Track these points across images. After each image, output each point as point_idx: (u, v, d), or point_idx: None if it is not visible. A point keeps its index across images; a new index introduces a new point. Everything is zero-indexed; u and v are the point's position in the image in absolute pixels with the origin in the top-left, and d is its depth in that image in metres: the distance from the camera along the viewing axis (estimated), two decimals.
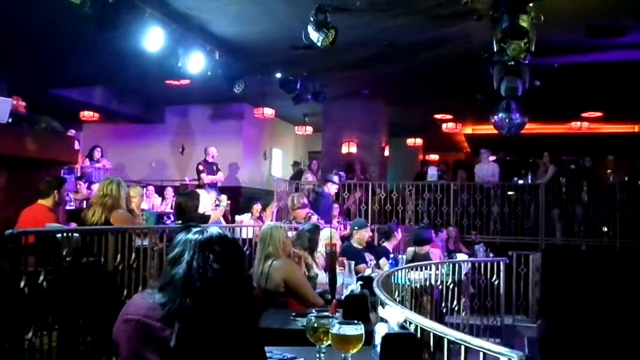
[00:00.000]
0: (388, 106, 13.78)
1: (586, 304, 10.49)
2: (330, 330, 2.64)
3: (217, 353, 1.96)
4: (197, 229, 2.13)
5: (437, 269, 7.10)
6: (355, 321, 2.68)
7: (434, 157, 18.74)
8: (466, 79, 10.78)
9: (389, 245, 7.78)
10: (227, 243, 2.11)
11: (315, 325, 2.70)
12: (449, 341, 2.87)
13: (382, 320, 3.06)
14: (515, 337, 8.36)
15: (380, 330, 2.94)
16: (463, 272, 7.43)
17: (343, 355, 2.61)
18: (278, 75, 10.65)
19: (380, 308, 3.04)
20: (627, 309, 10.27)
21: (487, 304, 8.02)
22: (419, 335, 3.08)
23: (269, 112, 13.52)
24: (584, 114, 14.09)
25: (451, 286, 7.20)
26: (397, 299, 5.93)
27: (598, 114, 13.93)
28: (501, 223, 11.42)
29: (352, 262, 5.76)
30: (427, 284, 6.80)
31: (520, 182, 12.25)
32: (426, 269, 6.86)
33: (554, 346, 9.14)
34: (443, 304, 7.09)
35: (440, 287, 7.11)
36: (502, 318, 7.94)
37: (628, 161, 13.91)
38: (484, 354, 2.64)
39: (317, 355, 2.70)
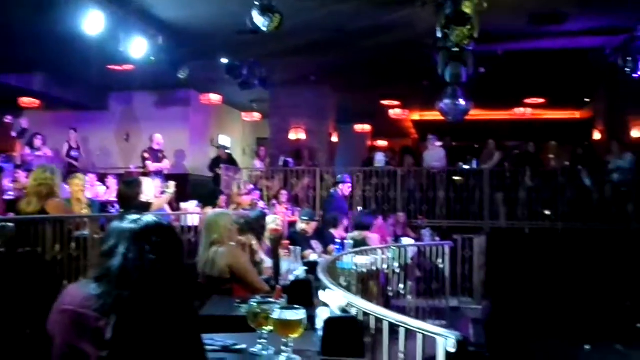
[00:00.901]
0: (336, 92, 13.79)
1: (530, 286, 10.76)
2: (271, 316, 2.63)
3: (154, 344, 1.91)
4: (132, 218, 2.06)
5: (383, 253, 7.17)
6: (296, 306, 2.68)
7: (383, 143, 18.85)
8: (413, 65, 10.87)
9: (336, 232, 7.79)
10: (164, 232, 2.06)
11: (257, 311, 2.68)
12: (390, 324, 2.88)
13: (324, 304, 3.06)
14: (460, 318, 8.52)
15: (322, 315, 2.93)
16: (409, 256, 7.51)
17: (285, 340, 2.60)
18: (224, 60, 10.51)
19: (321, 292, 3.03)
20: (568, 289, 10.60)
21: (433, 286, 8.13)
22: (360, 318, 3.09)
23: (215, 98, 13.35)
24: (527, 100, 14.40)
25: (397, 270, 7.28)
26: (344, 284, 5.96)
27: (541, 100, 14.25)
28: (447, 208, 11.60)
29: (299, 248, 5.73)
30: (374, 268, 6.85)
31: (466, 167, 12.44)
32: (372, 253, 6.91)
33: (498, 327, 9.36)
34: (389, 288, 7.17)
35: (386, 271, 7.18)
36: (448, 300, 8.07)
37: (570, 147, 14.29)
38: (424, 335, 2.66)
39: (259, 341, 2.69)
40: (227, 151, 13.22)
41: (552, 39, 10.10)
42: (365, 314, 3.08)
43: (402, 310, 7.55)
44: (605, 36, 9.83)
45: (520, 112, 15.23)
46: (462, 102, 11.17)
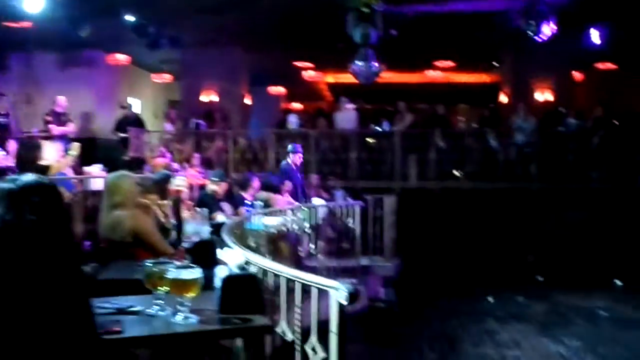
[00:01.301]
0: (248, 53, 13.57)
1: (438, 243, 11.14)
2: (166, 276, 2.59)
3: (36, 307, 1.83)
4: (11, 177, 1.95)
5: (293, 214, 7.20)
6: (192, 265, 2.65)
7: (298, 106, 18.82)
8: (325, 26, 10.80)
9: (246, 194, 7.74)
10: (45, 192, 1.95)
11: (152, 271, 2.63)
12: (287, 279, 2.89)
13: (223, 263, 3.04)
14: (371, 277, 8.71)
15: (220, 273, 2.91)
16: (319, 217, 7.57)
17: (181, 300, 2.57)
18: (130, 18, 10.09)
19: (219, 250, 3.00)
20: (475, 246, 11.04)
21: (344, 246, 8.25)
22: (260, 275, 3.08)
23: (122, 58, 12.85)
24: (438, 63, 14.67)
25: (308, 231, 7.34)
26: (253, 245, 5.95)
27: (451, 63, 14.55)
28: (360, 169, 11.74)
29: (206, 210, 5.67)
30: (284, 229, 6.87)
31: (378, 129, 12.61)
32: (282, 214, 6.92)
33: (408, 284, 9.65)
34: (300, 248, 7.22)
35: (297, 232, 7.22)
36: (358, 259, 8.21)
37: (479, 109, 14.75)
38: (318, 289, 2.68)
39: (155, 302, 2.64)
40: (134, 111, 12.80)
41: (460, 1, 10.28)
42: (263, 271, 3.08)
43: (313, 270, 7.64)
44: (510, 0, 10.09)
45: (431, 75, 15.51)
46: (374, 64, 11.27)
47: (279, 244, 6.92)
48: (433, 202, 11.55)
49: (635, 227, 11.18)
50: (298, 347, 2.82)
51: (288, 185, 8.87)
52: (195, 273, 2.62)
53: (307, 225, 7.31)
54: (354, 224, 8.07)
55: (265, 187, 8.13)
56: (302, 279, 2.77)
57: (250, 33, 11.97)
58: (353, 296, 2.43)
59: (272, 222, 6.72)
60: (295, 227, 7.19)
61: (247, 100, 14.06)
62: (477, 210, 11.51)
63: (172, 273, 2.59)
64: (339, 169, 11.67)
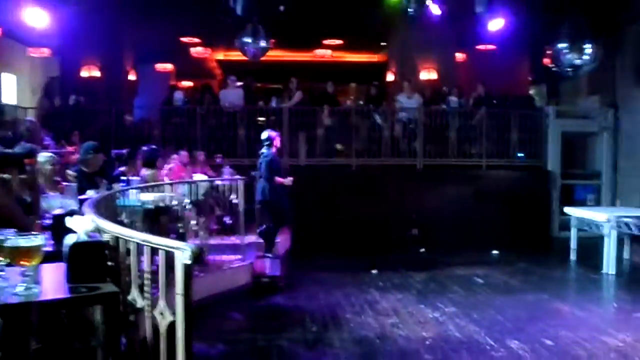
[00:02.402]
0: (132, 28, 13.06)
1: (326, 219, 11.26)
2: (4, 245, 2.44)
3: None
4: None
5: (173, 190, 7.03)
6: (34, 233, 2.52)
7: (188, 84, 18.38)
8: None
9: (127, 169, 7.47)
10: None
11: None
12: (137, 244, 2.77)
13: (71, 231, 2.89)
14: (257, 253, 8.66)
15: (69, 241, 2.78)
16: (201, 193, 7.42)
17: (23, 269, 2.45)
18: None
19: (68, 219, 2.84)
20: (362, 220, 11.25)
21: (228, 222, 8.15)
22: (111, 242, 2.95)
23: None
24: (326, 41, 14.75)
25: (189, 207, 7.18)
26: (126, 221, 5.75)
27: (339, 41, 14.67)
28: (248, 146, 11.63)
29: (74, 185, 5.40)
30: (162, 205, 6.68)
31: (265, 106, 12.53)
32: (161, 190, 6.74)
33: (295, 259, 9.69)
34: (180, 225, 7.06)
35: (177, 208, 7.06)
36: (243, 235, 8.14)
37: (367, 87, 14.95)
38: (166, 251, 2.59)
39: None
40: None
41: None
42: (115, 238, 2.94)
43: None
44: None
45: (320, 53, 15.59)
46: (261, 40, 11.17)
47: (159, 220, 6.74)
48: (321, 179, 11.64)
49: (513, 201, 11.80)
50: (148, 314, 2.72)
51: (174, 159, 8.66)
52: (35, 240, 2.49)
53: (187, 201, 7.16)
54: (237, 200, 7.97)
55: (147, 161, 7.91)
56: (150, 242, 2.66)
57: (133, 6, 11.51)
58: (197, 255, 2.36)
59: (149, 198, 6.53)
60: (175, 203, 7.02)
61: (131, 76, 13.54)
62: (364, 186, 11.73)
63: (10, 241, 2.46)
64: (227, 147, 11.49)
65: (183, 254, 2.37)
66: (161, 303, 2.63)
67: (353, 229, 11.25)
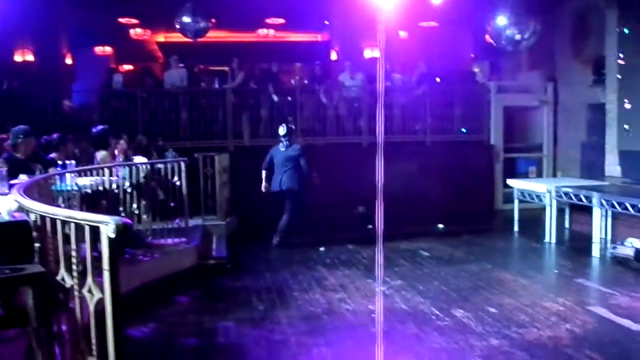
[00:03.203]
0: (68, 9, 12.59)
1: (273, 198, 11.18)
2: None
3: None
4: None
5: (112, 174, 6.85)
6: None
7: (129, 67, 17.93)
8: None
9: (57, 155, 7.23)
10: None
11: None
12: (62, 221, 2.66)
13: None
14: (203, 235, 8.56)
15: None
16: (141, 175, 7.25)
17: None
18: None
19: None
20: (309, 199, 11.20)
21: (171, 205, 7.98)
22: (38, 221, 2.83)
23: None
24: (269, 20, 14.59)
25: (129, 189, 7.01)
26: (63, 206, 5.58)
27: (281, 20, 14.52)
28: (191, 129, 11.43)
29: (3, 169, 5.19)
30: (101, 189, 6.52)
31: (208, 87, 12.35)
32: (98, 174, 6.56)
33: (242, 240, 9.62)
34: (121, 209, 6.89)
35: (117, 191, 6.89)
36: (187, 218, 8.01)
37: (311, 66, 14.86)
38: (90, 226, 2.49)
39: None
40: None
41: None
42: (41, 217, 2.82)
43: (137, 233, 7.36)
44: None
45: (263, 33, 15.42)
46: (201, 19, 10.94)
47: (99, 204, 6.57)
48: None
49: (457, 175, 11.97)
50: (77, 293, 2.63)
51: (121, 144, 8.46)
52: None
53: (128, 184, 6.99)
54: (180, 182, 7.82)
55: (98, 142, 7.78)
56: (75, 218, 2.56)
57: None
58: (121, 229, 2.28)
59: (87, 182, 6.35)
60: (115, 186, 6.85)
61: (68, 60, 13.11)
62: (311, 164, 11.67)
63: None
64: (169, 130, 11.27)
65: (107, 227, 2.28)
66: (89, 280, 2.53)
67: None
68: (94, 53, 15.89)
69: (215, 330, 5.52)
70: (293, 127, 9.81)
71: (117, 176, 7.05)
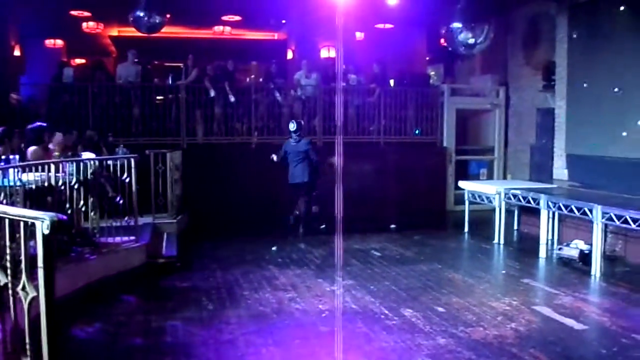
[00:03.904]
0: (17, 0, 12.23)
1: (226, 197, 11.11)
2: None
3: None
4: None
5: (58, 169, 6.68)
6: None
7: (80, 61, 17.52)
8: None
9: (2, 149, 7.01)
10: None
11: None
12: None
13: None
14: (152, 233, 8.41)
15: None
16: (89, 172, 7.08)
17: None
18: None
19: None
20: (263, 198, 11.18)
21: (120, 203, 7.80)
22: None
23: None
24: (225, 18, 14.46)
25: (76, 186, 6.84)
26: (5, 201, 5.41)
27: (237, 17, 14.41)
28: (143, 125, 11.23)
29: None
30: (46, 185, 6.34)
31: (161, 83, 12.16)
32: (43, 170, 6.38)
33: (194, 238, 9.52)
34: (67, 205, 6.72)
35: (63, 188, 6.71)
36: (137, 216, 7.85)
37: (267, 65, 14.79)
38: (24, 222, 2.41)
39: None
40: None
41: None
42: None
43: (84, 231, 7.20)
44: None
45: (219, 30, 15.28)
46: (155, 14, 10.79)
47: (44, 200, 6.40)
48: (220, 157, 11.45)
49: (410, 177, 12.08)
50: (11, 292, 2.54)
51: (58, 137, 8.21)
52: None
53: (74, 180, 6.81)
54: (130, 179, 7.65)
55: (33, 139, 7.56)
56: (8, 214, 2.47)
57: None
58: (56, 225, 2.21)
59: (31, 178, 6.18)
60: (61, 182, 6.67)
61: (16, 52, 12.73)
62: (265, 163, 11.62)
63: None
64: (121, 125, 11.04)
65: (42, 224, 2.21)
66: (23, 278, 2.45)
67: (254, 208, 11.16)
68: (45, 46, 15.49)
69: (162, 330, 5.43)
70: (302, 122, 10.77)
71: (64, 172, 6.86)
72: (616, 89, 9.39)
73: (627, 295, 6.54)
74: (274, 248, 9.01)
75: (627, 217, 6.96)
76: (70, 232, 6.66)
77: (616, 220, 7.15)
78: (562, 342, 5.05)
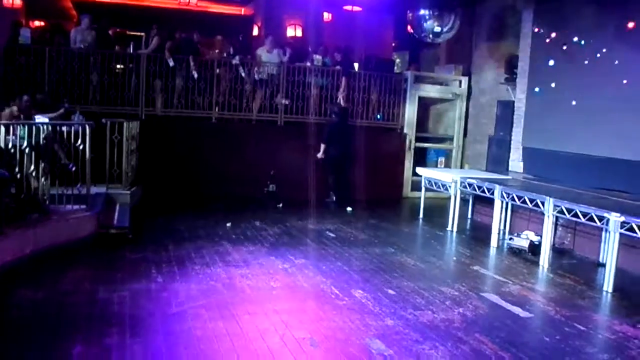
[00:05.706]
0: None
1: (183, 170, 10.99)
2: None
3: None
4: None
5: (9, 132, 6.48)
6: None
7: (39, 24, 16.97)
8: None
9: None
10: None
11: None
12: None
13: None
14: (104, 203, 8.26)
15: None
16: (42, 136, 6.89)
17: None
18: None
19: None
20: (221, 174, 11.09)
21: (73, 170, 7.62)
22: None
23: None
24: None
25: (27, 150, 6.65)
26: None
27: None
28: (101, 93, 10.96)
29: None
30: None
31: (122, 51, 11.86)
32: None
33: (148, 210, 9.38)
34: (17, 170, 6.53)
35: (13, 150, 6.52)
36: (89, 185, 7.68)
37: (232, 40, 14.58)
38: None
39: None
40: None
41: None
42: None
43: (34, 197, 7.02)
44: None
45: (185, 1, 15.01)
46: None
47: None
48: (179, 130, 11.29)
49: (369, 161, 12.10)
50: None
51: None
52: None
53: (25, 144, 6.62)
54: (83, 146, 7.48)
55: None
56: None
57: None
58: None
59: None
60: (10, 146, 6.48)
61: None
62: (225, 139, 11.52)
63: None
64: (78, 92, 10.75)
65: None
66: None
67: (211, 183, 11.06)
68: (1, 4, 14.94)
69: (109, 301, 5.35)
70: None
71: (15, 135, 6.66)
72: (573, 102, 9.61)
73: (573, 286, 6.70)
74: (228, 224, 8.94)
75: (577, 210, 7.11)
76: (18, 196, 6.49)
77: (567, 214, 7.30)
78: (506, 328, 5.15)
